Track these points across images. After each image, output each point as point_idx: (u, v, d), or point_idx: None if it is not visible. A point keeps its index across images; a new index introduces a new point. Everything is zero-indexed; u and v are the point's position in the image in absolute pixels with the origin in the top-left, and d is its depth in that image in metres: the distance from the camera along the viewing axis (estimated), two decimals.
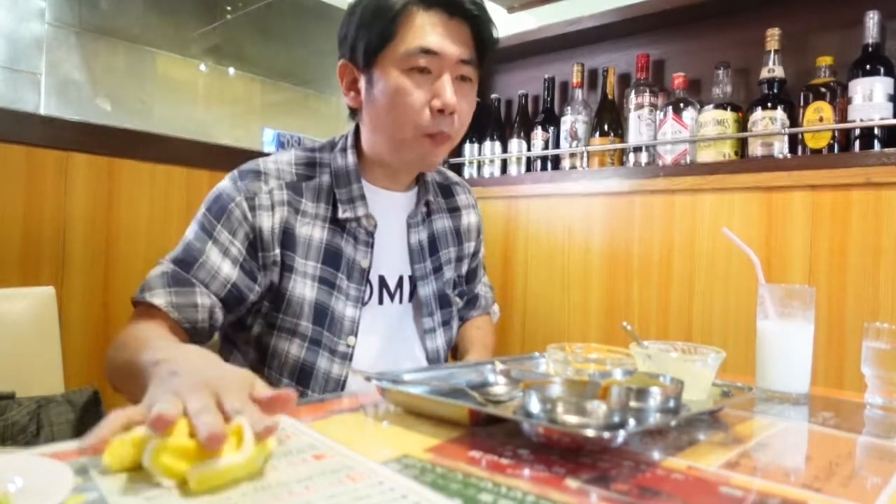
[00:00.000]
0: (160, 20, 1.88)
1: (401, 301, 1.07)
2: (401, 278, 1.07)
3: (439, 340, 1.09)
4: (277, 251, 0.97)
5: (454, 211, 1.18)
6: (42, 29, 1.63)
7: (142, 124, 1.55)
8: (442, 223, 1.15)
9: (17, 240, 1.23)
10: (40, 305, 1.16)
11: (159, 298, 0.88)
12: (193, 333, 0.91)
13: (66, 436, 1.04)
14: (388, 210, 1.06)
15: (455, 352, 1.20)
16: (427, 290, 1.08)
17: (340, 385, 0.99)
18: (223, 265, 0.93)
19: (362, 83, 0.99)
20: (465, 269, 1.20)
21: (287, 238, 0.97)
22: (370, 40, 0.95)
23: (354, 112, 1.06)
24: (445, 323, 1.11)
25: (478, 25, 0.97)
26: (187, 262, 0.92)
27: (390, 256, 1.06)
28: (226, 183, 0.99)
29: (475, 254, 1.23)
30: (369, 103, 0.99)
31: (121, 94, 1.79)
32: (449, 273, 1.13)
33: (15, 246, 1.23)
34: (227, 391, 0.54)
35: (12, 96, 1.57)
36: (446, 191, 1.19)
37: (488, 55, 1.00)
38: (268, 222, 0.96)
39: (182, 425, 0.49)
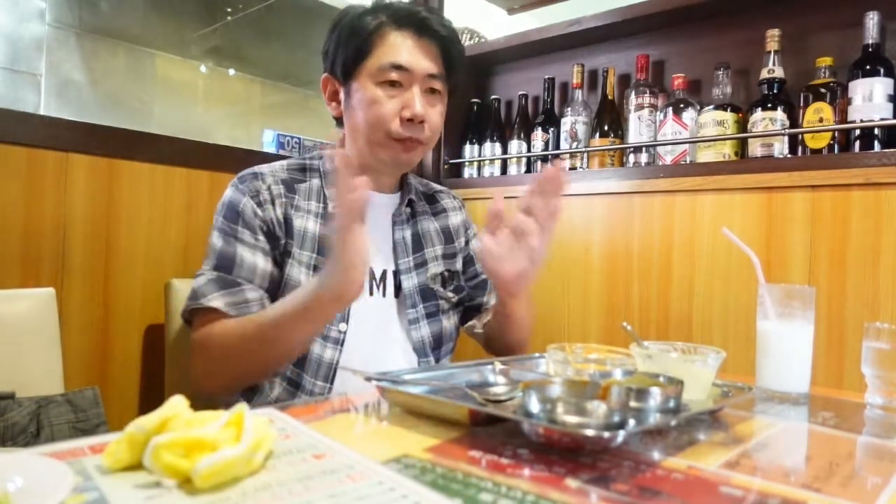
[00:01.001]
0: (160, 21, 1.89)
1: (384, 294, 1.14)
2: (384, 272, 1.14)
3: (423, 331, 1.14)
4: (284, 240, 1.06)
5: (440, 213, 1.27)
6: (42, 30, 1.63)
7: (142, 125, 1.55)
8: (427, 224, 1.23)
9: (17, 240, 1.23)
10: (40, 306, 1.16)
11: (216, 301, 0.97)
12: None
13: (65, 436, 1.05)
14: (375, 209, 1.13)
15: (491, 342, 1.23)
16: (410, 283, 1.15)
17: (332, 369, 1.04)
18: (257, 260, 1.03)
19: (342, 95, 1.11)
20: (459, 263, 1.26)
21: (288, 227, 1.06)
22: (347, 56, 1.06)
23: (339, 121, 1.16)
24: (430, 315, 1.16)
25: (446, 44, 1.09)
26: (227, 266, 1.01)
27: (377, 252, 1.13)
28: (228, 191, 1.08)
29: (467, 243, 1.29)
30: (348, 112, 1.11)
31: (121, 94, 1.79)
32: (435, 269, 1.19)
33: (15, 247, 1.23)
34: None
35: (12, 97, 1.58)
36: (431, 198, 1.28)
37: (456, 70, 1.12)
38: (272, 214, 1.05)
39: (181, 420, 0.49)
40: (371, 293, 1.11)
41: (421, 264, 1.17)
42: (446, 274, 1.20)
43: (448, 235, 1.24)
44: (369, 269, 1.11)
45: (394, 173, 1.17)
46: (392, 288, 1.14)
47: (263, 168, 1.10)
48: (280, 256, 1.05)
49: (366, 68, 1.05)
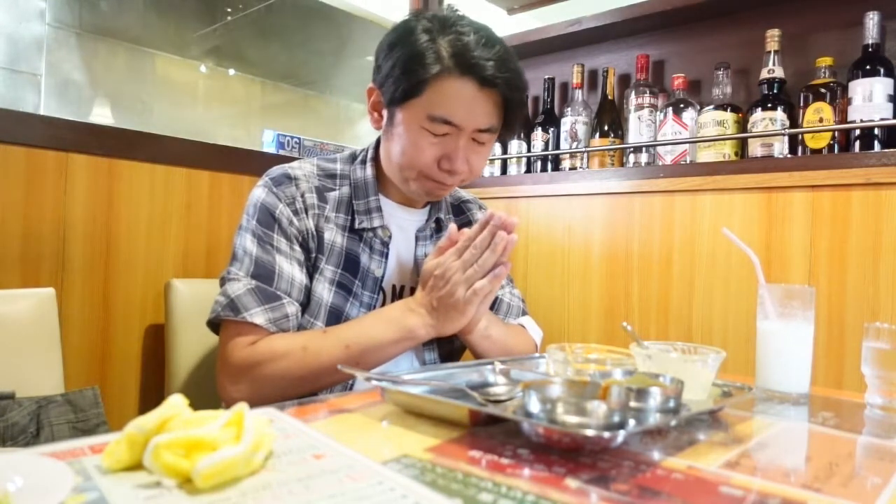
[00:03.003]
0: (160, 21, 1.88)
1: None
2: (403, 288, 1.11)
3: (435, 352, 1.12)
4: (315, 253, 1.03)
5: (466, 227, 1.20)
6: (42, 30, 1.63)
7: (142, 125, 1.55)
8: None
9: (17, 240, 1.23)
10: (40, 306, 1.16)
11: (259, 318, 0.94)
12: None
13: (65, 436, 1.05)
14: (402, 223, 1.11)
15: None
16: None
17: (348, 387, 1.03)
18: (294, 272, 0.99)
19: (384, 113, 1.03)
20: None
21: (319, 240, 1.03)
22: (399, 88, 0.97)
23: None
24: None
25: (507, 97, 0.99)
26: (266, 276, 0.97)
27: (399, 267, 1.10)
28: (261, 193, 1.03)
29: None
30: (387, 135, 1.04)
31: (121, 95, 1.79)
32: None
33: (15, 247, 1.23)
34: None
35: (12, 97, 1.57)
36: (457, 209, 1.23)
37: (513, 124, 1.04)
38: (307, 225, 1.02)
39: (180, 420, 0.49)
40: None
41: None
42: None
43: None
44: (392, 286, 1.09)
45: (422, 200, 1.13)
46: None
47: (296, 170, 1.05)
48: (311, 269, 1.02)
49: (415, 107, 0.97)
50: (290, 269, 0.99)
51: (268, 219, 1.00)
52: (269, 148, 1.80)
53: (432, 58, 0.94)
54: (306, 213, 1.02)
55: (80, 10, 1.71)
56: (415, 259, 1.12)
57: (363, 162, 1.10)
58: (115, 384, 1.36)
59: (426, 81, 0.94)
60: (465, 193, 1.29)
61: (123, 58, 1.81)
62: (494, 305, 1.22)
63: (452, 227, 1.00)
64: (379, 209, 1.07)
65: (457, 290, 0.92)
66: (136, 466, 0.47)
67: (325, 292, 1.02)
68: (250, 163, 1.51)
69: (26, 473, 0.43)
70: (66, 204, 1.29)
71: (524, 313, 1.25)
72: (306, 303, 1.01)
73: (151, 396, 1.41)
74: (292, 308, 0.97)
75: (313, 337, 0.96)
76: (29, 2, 1.62)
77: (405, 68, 0.95)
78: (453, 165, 0.99)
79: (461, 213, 1.23)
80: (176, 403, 0.51)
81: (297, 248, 1.01)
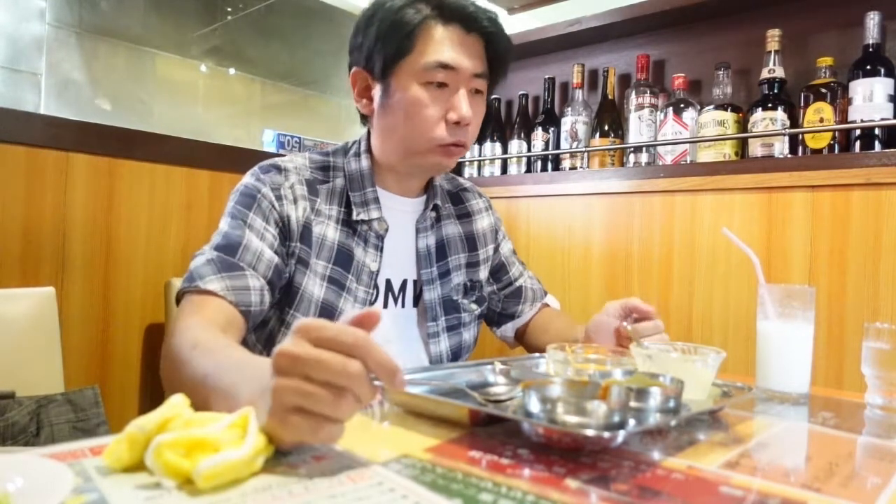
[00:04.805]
0: (160, 21, 1.88)
1: (403, 305, 1.08)
2: (405, 282, 1.08)
3: (443, 345, 1.09)
4: (297, 244, 0.99)
5: (465, 217, 1.19)
6: (42, 29, 1.63)
7: (142, 125, 1.55)
8: (451, 229, 1.15)
9: (17, 240, 1.23)
10: (40, 306, 1.16)
11: (214, 284, 0.86)
12: (248, 316, 0.90)
13: (66, 436, 1.05)
14: (398, 215, 1.08)
15: (526, 342, 1.24)
16: (432, 294, 1.09)
17: None
18: (264, 248, 0.94)
19: (376, 91, 1.01)
20: (483, 273, 1.19)
21: (305, 233, 0.99)
22: (388, 52, 0.97)
23: (365, 118, 1.08)
24: (451, 328, 1.11)
25: (492, 40, 1.00)
26: (231, 248, 0.92)
27: (398, 261, 1.07)
28: (248, 178, 1.02)
29: (496, 250, 1.23)
30: (384, 112, 1.02)
31: (121, 94, 1.79)
32: (458, 278, 1.13)
33: (15, 246, 1.23)
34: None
35: (12, 96, 1.57)
36: (456, 197, 1.20)
37: (504, 69, 1.05)
38: (293, 213, 0.99)
39: (181, 420, 0.49)
40: (386, 304, 1.05)
41: (444, 274, 1.11)
42: (468, 284, 1.15)
43: (472, 243, 1.17)
44: (387, 280, 1.06)
45: (424, 177, 1.10)
46: (412, 298, 1.09)
47: (287, 163, 1.03)
48: (288, 259, 0.98)
49: (408, 66, 0.96)
50: (260, 245, 0.94)
51: (247, 200, 0.98)
52: (270, 147, 1.80)
53: (412, 12, 0.96)
54: (294, 202, 0.99)
55: (80, 9, 1.71)
56: (416, 251, 1.09)
57: (357, 154, 1.07)
58: (115, 384, 1.36)
59: (413, 33, 0.95)
60: (464, 181, 1.25)
61: (123, 58, 1.81)
62: (521, 294, 1.23)
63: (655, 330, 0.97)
64: (376, 200, 1.05)
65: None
66: (137, 467, 0.47)
67: (315, 288, 0.98)
68: (250, 162, 1.51)
69: (26, 474, 0.43)
70: (66, 203, 1.29)
71: (545, 293, 1.27)
72: (277, 284, 0.95)
73: (151, 396, 1.41)
74: (256, 282, 0.91)
75: (203, 351, 0.73)
76: (29, 1, 1.62)
77: (391, 30, 0.96)
78: (461, 113, 0.97)
79: (459, 201, 1.20)
80: (177, 403, 0.51)
81: (271, 229, 0.96)
